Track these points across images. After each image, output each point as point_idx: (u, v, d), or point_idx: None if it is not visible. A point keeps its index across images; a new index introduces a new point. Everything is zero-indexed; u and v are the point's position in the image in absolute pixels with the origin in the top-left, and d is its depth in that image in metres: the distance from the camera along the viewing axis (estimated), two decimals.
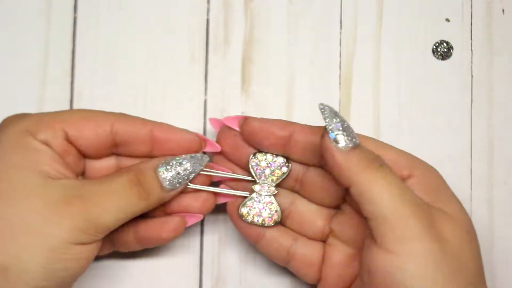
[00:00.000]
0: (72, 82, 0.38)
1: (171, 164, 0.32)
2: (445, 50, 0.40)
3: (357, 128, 0.38)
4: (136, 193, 0.31)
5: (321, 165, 0.34)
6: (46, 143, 0.31)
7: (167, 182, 0.32)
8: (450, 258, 0.29)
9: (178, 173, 0.32)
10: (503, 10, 0.40)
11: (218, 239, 0.38)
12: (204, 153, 0.37)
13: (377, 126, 0.39)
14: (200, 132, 0.38)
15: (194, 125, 0.38)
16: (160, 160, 0.32)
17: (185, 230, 0.35)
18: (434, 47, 0.40)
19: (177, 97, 0.39)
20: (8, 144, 0.31)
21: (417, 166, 0.32)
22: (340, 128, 0.30)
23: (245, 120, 0.34)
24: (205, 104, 0.39)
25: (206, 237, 0.38)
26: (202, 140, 0.34)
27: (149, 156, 0.34)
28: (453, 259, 0.29)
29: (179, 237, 0.36)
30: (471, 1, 0.40)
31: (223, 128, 0.35)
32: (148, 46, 0.39)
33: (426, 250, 0.28)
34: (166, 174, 0.32)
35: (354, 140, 0.30)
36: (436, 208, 0.31)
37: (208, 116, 0.39)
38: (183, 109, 0.39)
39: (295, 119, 0.39)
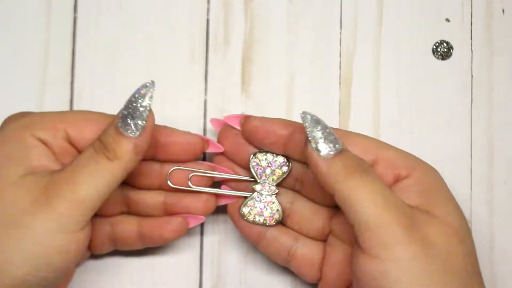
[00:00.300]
0: (72, 82, 0.38)
1: (125, 110, 0.30)
2: (445, 50, 0.40)
3: (357, 128, 0.39)
4: (102, 156, 0.30)
5: None
6: (44, 142, 0.31)
7: (128, 130, 0.30)
8: (436, 261, 0.29)
9: (133, 111, 0.30)
10: (503, 10, 0.40)
11: (218, 239, 0.38)
12: (204, 155, 0.37)
13: (377, 126, 0.39)
14: (201, 132, 0.38)
15: (194, 125, 0.38)
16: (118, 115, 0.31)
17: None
18: (434, 47, 0.40)
19: (177, 97, 0.39)
20: (5, 138, 0.31)
21: (417, 166, 0.32)
22: (322, 136, 0.30)
23: (246, 119, 0.34)
24: (205, 104, 0.39)
25: (206, 237, 0.38)
26: (204, 141, 0.34)
27: (153, 160, 0.34)
28: (439, 262, 0.29)
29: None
30: (471, 1, 0.40)
31: (224, 128, 0.35)
32: (148, 46, 0.39)
33: (410, 255, 0.28)
34: (124, 122, 0.30)
35: (336, 146, 0.30)
36: (423, 211, 0.31)
37: (208, 116, 0.39)
38: (183, 109, 0.39)
39: (295, 119, 0.39)
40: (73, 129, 0.32)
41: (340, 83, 0.39)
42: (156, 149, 0.33)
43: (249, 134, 0.34)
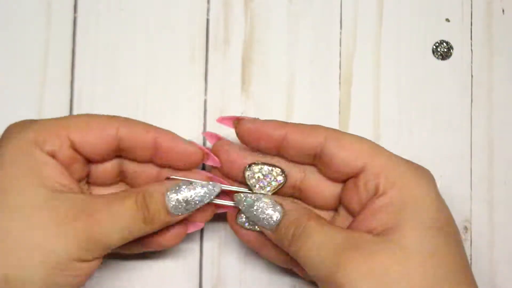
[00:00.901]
0: (72, 82, 0.38)
1: (181, 191, 0.32)
2: (445, 50, 0.40)
3: (357, 128, 0.39)
4: (141, 217, 0.31)
5: (315, 164, 0.34)
6: (52, 154, 0.31)
7: (174, 209, 0.32)
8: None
9: (187, 200, 0.32)
10: (503, 10, 0.40)
11: (218, 241, 0.38)
12: (203, 166, 0.37)
13: (377, 126, 0.39)
14: (200, 132, 0.38)
15: (194, 125, 0.38)
16: (171, 184, 0.32)
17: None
18: (434, 47, 0.40)
19: (177, 97, 0.39)
20: (15, 156, 0.30)
21: (401, 178, 0.32)
22: (253, 221, 0.33)
23: (239, 121, 0.34)
24: (205, 104, 0.39)
25: (206, 239, 0.38)
26: (204, 154, 0.34)
27: (150, 162, 0.34)
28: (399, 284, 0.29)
29: None
30: (471, 1, 0.40)
31: (216, 144, 0.35)
32: (148, 46, 0.39)
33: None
34: (175, 202, 0.32)
35: (272, 222, 0.32)
36: (378, 239, 0.30)
37: (208, 116, 0.39)
38: (183, 109, 0.39)
39: (295, 119, 0.39)
40: (76, 135, 0.32)
41: (340, 83, 0.39)
42: (156, 152, 0.33)
43: (243, 136, 0.34)
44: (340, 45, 0.40)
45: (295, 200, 0.35)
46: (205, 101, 0.39)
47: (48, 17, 0.39)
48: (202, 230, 0.38)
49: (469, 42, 0.40)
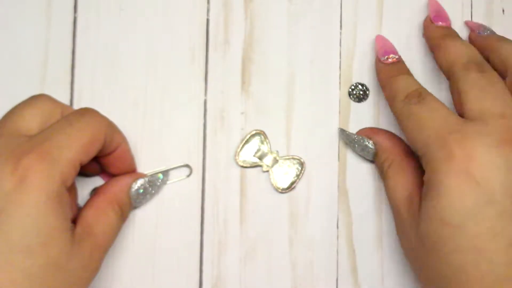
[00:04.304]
0: (72, 82, 0.38)
1: (141, 190, 0.36)
2: None
3: (357, 128, 0.39)
4: (120, 218, 0.35)
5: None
6: (68, 188, 0.31)
7: (136, 202, 0.36)
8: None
9: (144, 196, 0.37)
10: (503, 10, 0.40)
11: (218, 239, 0.38)
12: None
13: (377, 126, 0.39)
14: (200, 132, 0.38)
15: (194, 125, 0.38)
16: (133, 182, 0.36)
17: (185, 230, 0.36)
18: None
19: (177, 97, 0.39)
20: (49, 199, 0.29)
21: None
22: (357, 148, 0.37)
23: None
24: (205, 104, 0.39)
25: (206, 237, 0.38)
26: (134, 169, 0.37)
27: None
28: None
29: (179, 236, 0.37)
30: (471, 1, 0.40)
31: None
32: (148, 46, 0.39)
33: None
34: (136, 198, 0.36)
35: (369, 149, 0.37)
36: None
37: (208, 116, 0.39)
38: (183, 109, 0.39)
39: (294, 118, 0.39)
40: (84, 157, 0.31)
41: (340, 83, 0.39)
42: (109, 155, 0.35)
43: None
44: (340, 45, 0.40)
45: None
46: (205, 101, 0.39)
47: (48, 17, 0.39)
48: (202, 230, 0.38)
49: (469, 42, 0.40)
